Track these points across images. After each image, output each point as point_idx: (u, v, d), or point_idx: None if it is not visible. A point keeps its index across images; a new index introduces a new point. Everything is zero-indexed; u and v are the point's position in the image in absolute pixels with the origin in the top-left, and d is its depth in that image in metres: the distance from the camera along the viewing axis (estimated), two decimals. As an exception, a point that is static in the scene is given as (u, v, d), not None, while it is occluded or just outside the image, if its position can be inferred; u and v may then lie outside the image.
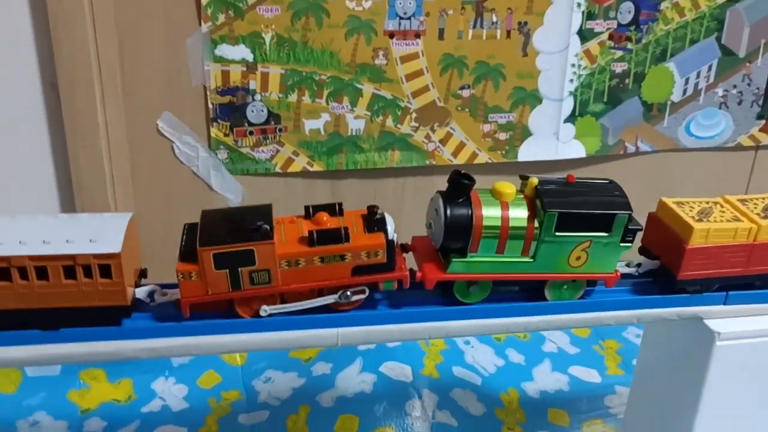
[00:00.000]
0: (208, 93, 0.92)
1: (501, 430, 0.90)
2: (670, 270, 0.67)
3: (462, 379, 0.97)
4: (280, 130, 0.97)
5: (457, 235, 0.61)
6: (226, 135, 0.95)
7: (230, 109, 0.94)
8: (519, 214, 0.62)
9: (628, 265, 0.69)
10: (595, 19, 1.00)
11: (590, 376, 1.01)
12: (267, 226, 0.57)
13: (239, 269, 0.58)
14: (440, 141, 1.02)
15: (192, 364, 0.97)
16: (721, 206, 0.71)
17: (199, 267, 0.57)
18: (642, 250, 0.70)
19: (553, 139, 1.06)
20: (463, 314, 0.63)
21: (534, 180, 0.63)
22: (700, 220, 0.67)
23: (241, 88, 0.93)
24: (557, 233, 0.62)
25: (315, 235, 0.58)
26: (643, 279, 0.68)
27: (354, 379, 0.94)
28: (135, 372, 0.96)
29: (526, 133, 1.04)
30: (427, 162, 1.03)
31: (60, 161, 0.87)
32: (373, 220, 0.61)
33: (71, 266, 0.54)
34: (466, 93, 1.00)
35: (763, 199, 0.73)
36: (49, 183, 0.88)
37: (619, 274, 0.66)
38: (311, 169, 1.00)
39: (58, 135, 0.86)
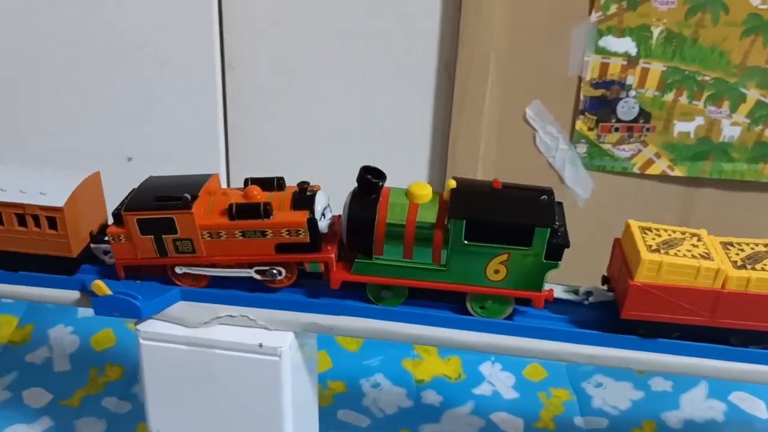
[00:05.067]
0: (581, 85, 0.90)
1: None
2: (618, 306, 0.58)
3: None
4: (648, 129, 0.92)
5: (358, 234, 0.57)
6: (590, 129, 0.92)
7: (600, 103, 0.91)
8: (426, 218, 0.56)
9: (576, 293, 0.62)
10: None
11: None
12: (188, 196, 0.58)
13: (163, 236, 0.58)
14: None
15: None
16: (698, 240, 0.58)
17: (126, 231, 0.59)
18: (604, 280, 0.62)
19: None
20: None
21: (452, 182, 0.57)
22: (656, 251, 0.56)
23: (617, 83, 0.89)
24: (467, 242, 0.56)
25: (234, 208, 0.57)
26: (595, 311, 0.60)
27: (701, 404, 0.88)
28: (463, 351, 0.97)
29: None
30: (802, 180, 0.93)
31: (438, 141, 0.89)
32: (302, 198, 0.58)
33: (22, 214, 0.60)
34: None
35: (755, 245, 0.59)
36: (422, 159, 0.91)
37: (551, 294, 0.58)
38: (671, 174, 0.94)
39: (442, 114, 0.88)
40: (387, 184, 0.59)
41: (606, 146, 0.93)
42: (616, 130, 0.92)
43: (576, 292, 0.62)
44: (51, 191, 0.59)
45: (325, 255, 0.58)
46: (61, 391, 0.87)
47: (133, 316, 0.59)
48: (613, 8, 0.86)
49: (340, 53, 0.87)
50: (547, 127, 0.93)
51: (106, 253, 0.63)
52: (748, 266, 0.57)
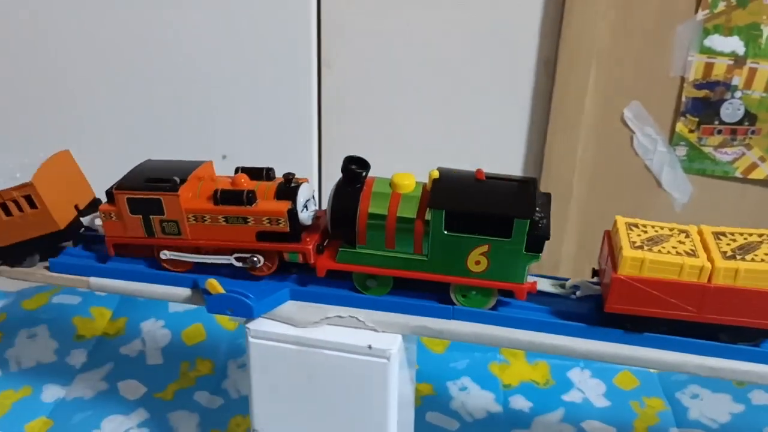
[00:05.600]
0: (683, 85, 0.87)
1: None
2: (604, 300, 0.57)
3: None
4: (753, 132, 0.89)
5: (341, 224, 0.58)
6: (690, 131, 0.89)
7: (703, 105, 0.88)
8: (408, 208, 0.57)
9: (563, 286, 0.61)
10: None
11: None
12: (177, 179, 0.59)
13: (151, 217, 0.60)
14: None
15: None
16: (686, 237, 0.57)
17: (116, 209, 0.61)
18: (594, 273, 0.61)
19: None
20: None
21: (435, 172, 0.57)
22: (640, 247, 0.55)
23: (721, 83, 0.86)
24: (448, 232, 0.56)
25: (219, 194, 0.59)
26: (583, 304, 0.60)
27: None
28: (550, 356, 0.95)
29: None
30: None
31: (534, 141, 0.88)
32: (286, 189, 0.59)
33: (3, 203, 0.62)
34: None
35: (749, 234, 0.57)
36: (516, 159, 0.90)
37: (534, 286, 0.58)
38: (775, 178, 0.91)
39: (539, 113, 0.86)
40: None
41: (707, 149, 0.90)
42: (719, 132, 0.89)
43: (563, 285, 0.62)
44: (23, 174, 0.62)
45: (304, 246, 0.59)
46: (154, 384, 0.89)
47: (244, 315, 0.59)
48: (722, 6, 0.83)
49: (436, 50, 0.86)
50: (645, 128, 0.90)
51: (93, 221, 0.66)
52: (738, 257, 0.55)
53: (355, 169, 0.58)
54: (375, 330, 0.59)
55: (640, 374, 0.94)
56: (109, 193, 0.61)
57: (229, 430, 0.83)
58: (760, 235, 0.57)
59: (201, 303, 0.61)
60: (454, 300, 0.59)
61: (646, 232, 0.57)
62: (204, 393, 0.88)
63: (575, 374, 0.94)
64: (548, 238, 0.55)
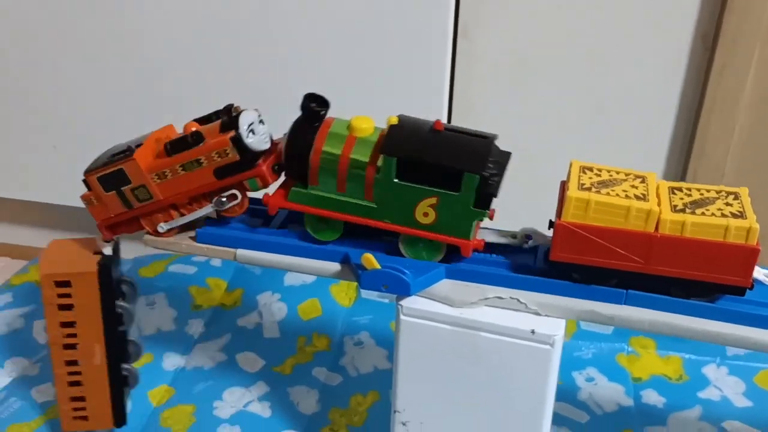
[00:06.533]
0: None
1: None
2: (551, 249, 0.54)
3: None
4: None
5: (294, 162, 0.58)
6: None
7: None
8: (362, 152, 0.56)
9: (514, 237, 0.60)
10: None
11: None
12: (132, 146, 0.60)
13: (122, 189, 0.61)
14: None
15: (747, 356, 0.89)
16: (641, 182, 0.54)
17: (94, 192, 0.62)
18: (551, 224, 0.57)
19: None
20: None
21: (393, 118, 0.56)
22: (588, 189, 0.53)
23: None
24: (398, 180, 0.55)
25: (168, 145, 0.59)
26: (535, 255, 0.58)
27: None
28: (685, 349, 0.90)
29: None
30: None
31: (683, 120, 0.82)
32: (228, 121, 0.59)
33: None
34: None
35: (706, 191, 0.55)
36: (662, 139, 0.84)
37: (480, 243, 0.57)
38: None
39: (692, 87, 0.80)
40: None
41: None
42: None
43: (514, 236, 0.60)
44: None
45: (257, 169, 0.59)
46: (272, 358, 0.87)
47: (400, 292, 0.56)
48: None
49: (581, 22, 0.81)
50: (806, 111, 0.83)
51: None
52: (688, 210, 0.52)
53: (314, 107, 0.57)
54: (537, 313, 0.56)
55: (780, 371, 0.88)
56: (84, 181, 0.63)
57: (350, 408, 0.81)
58: (719, 192, 0.55)
59: (351, 278, 0.59)
60: (402, 252, 0.59)
61: (599, 175, 0.55)
62: (322, 369, 0.86)
63: (711, 371, 0.88)
64: (495, 196, 0.55)
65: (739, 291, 0.53)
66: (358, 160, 0.56)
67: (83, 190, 0.64)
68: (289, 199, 0.58)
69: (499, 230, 0.62)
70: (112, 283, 0.65)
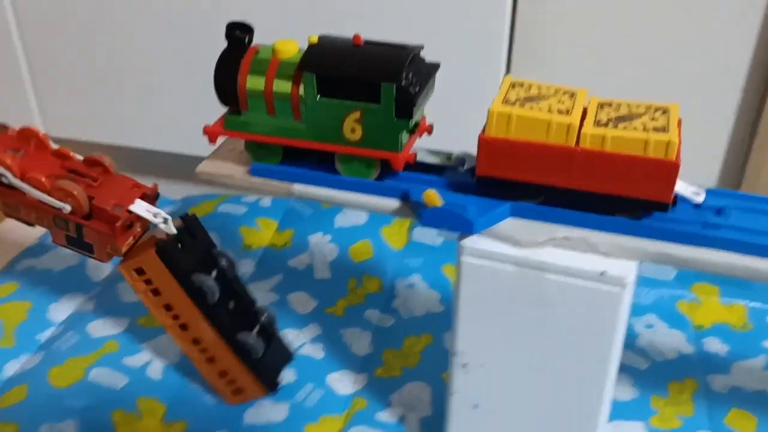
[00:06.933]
0: None
1: None
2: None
3: None
4: None
5: (224, 89, 0.58)
6: None
7: None
8: (285, 72, 0.57)
9: (448, 158, 0.60)
10: None
11: None
12: None
13: None
14: None
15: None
16: (569, 98, 0.53)
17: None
18: None
19: None
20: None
21: (313, 37, 0.57)
22: (512, 104, 0.52)
23: None
24: (321, 97, 0.56)
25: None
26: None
27: None
28: (750, 296, 0.86)
29: None
30: None
31: (746, 105, 0.75)
32: None
33: None
34: None
35: (636, 107, 0.53)
36: (720, 136, 0.78)
37: (412, 156, 0.57)
38: None
39: (757, 80, 0.74)
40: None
41: None
42: None
43: (449, 157, 0.60)
44: None
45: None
46: (324, 299, 0.87)
47: (463, 231, 0.54)
48: None
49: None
50: None
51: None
52: (611, 125, 0.51)
53: (238, 34, 0.57)
54: (607, 255, 0.53)
55: None
56: None
57: (404, 349, 0.80)
58: (648, 107, 0.52)
59: (411, 216, 0.57)
60: (339, 171, 0.59)
61: (528, 91, 0.54)
62: (375, 311, 0.85)
63: (779, 321, 0.85)
64: (415, 104, 0.54)
65: (662, 207, 0.52)
66: (283, 81, 0.57)
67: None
68: (225, 128, 0.60)
69: (432, 150, 0.63)
70: (180, 261, 0.64)
